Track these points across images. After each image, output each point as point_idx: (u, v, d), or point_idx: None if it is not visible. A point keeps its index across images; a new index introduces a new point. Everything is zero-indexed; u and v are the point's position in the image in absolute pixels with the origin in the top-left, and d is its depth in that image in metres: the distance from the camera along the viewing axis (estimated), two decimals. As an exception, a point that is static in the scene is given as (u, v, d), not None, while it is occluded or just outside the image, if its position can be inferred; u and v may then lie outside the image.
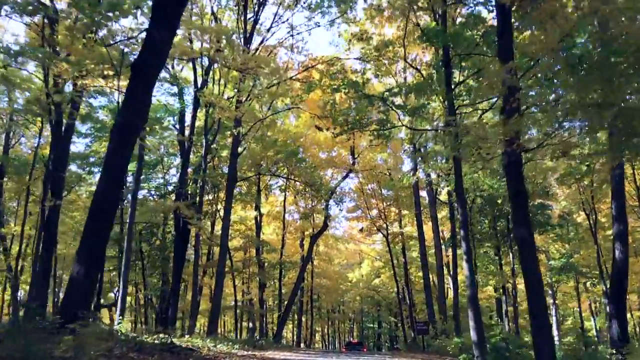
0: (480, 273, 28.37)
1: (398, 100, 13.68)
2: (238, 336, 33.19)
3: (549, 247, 34.97)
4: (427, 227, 29.23)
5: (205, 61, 22.84)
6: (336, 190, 27.39)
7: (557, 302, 36.80)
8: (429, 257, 29.02)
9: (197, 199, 21.95)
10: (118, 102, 12.37)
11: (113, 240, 27.22)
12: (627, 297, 23.17)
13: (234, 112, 17.14)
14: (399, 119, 14.43)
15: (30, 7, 12.30)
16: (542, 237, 32.15)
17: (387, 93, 13.24)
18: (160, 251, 28.70)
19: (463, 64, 13.23)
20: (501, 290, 29.97)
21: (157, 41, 9.59)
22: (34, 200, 24.83)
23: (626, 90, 8.22)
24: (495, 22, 13.79)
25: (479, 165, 25.39)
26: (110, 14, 11.62)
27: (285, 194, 33.41)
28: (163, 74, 25.49)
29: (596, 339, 38.49)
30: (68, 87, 16.87)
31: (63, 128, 16.67)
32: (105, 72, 14.33)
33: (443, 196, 30.24)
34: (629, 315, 29.25)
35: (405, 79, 22.77)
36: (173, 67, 25.22)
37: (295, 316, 39.83)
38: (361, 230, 37.13)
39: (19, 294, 25.99)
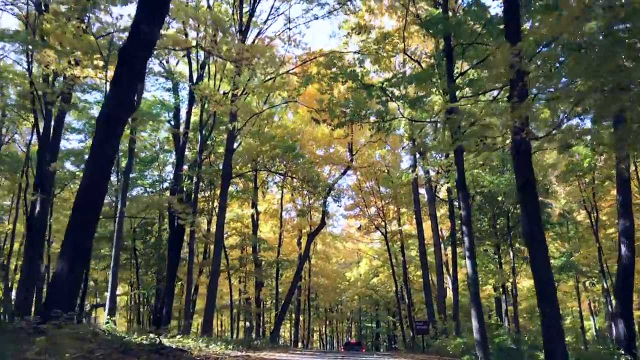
0: (480, 272, 27.92)
1: (397, 92, 13.21)
2: (235, 336, 32.73)
3: (549, 246, 34.60)
4: (426, 226, 28.82)
5: (201, 56, 22.42)
6: (334, 187, 26.93)
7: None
8: (427, 256, 28.59)
9: (192, 195, 21.46)
10: (105, 91, 11.86)
11: (107, 238, 26.75)
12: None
13: (229, 105, 16.65)
14: (399, 110, 13.95)
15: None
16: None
17: (387, 83, 12.78)
18: (155, 249, 28.21)
19: (465, 54, 12.75)
20: (501, 290, 29.60)
21: (143, 30, 9.14)
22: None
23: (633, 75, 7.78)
24: (498, 13, 13.35)
25: (480, 161, 25.00)
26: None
27: (282, 192, 32.95)
28: (158, 68, 25.13)
29: (595, 338, 38.22)
30: (58, 82, 16.43)
31: (53, 121, 16.16)
32: (95, 62, 13.84)
33: (443, 194, 29.86)
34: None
35: (405, 73, 22.32)
36: (168, 62, 24.78)
37: (293, 315, 39.39)
38: (359, 228, 36.68)
39: (12, 293, 25.46)
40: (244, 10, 19.62)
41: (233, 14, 19.22)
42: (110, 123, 9.09)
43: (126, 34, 12.65)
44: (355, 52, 19.28)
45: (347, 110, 13.32)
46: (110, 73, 13.02)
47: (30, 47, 12.97)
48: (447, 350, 17.62)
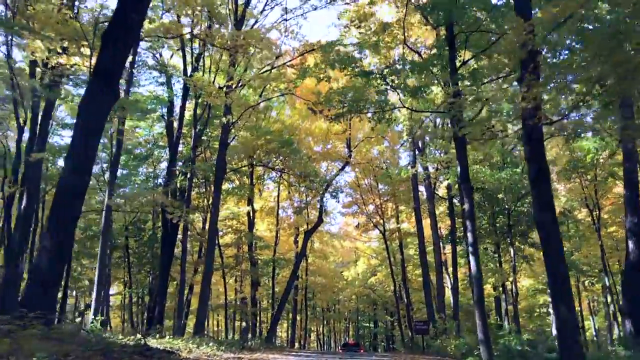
0: (480, 270, 27.46)
1: (398, 81, 12.63)
2: (231, 336, 32.13)
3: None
4: (425, 224, 28.32)
5: (196, 48, 21.83)
6: (332, 183, 26.35)
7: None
8: (427, 255, 28.07)
9: (185, 191, 20.86)
10: (90, 72, 11.26)
11: (99, 237, 26.13)
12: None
13: (224, 98, 16.07)
14: (400, 99, 13.39)
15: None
16: (542, 234, 31.40)
17: (387, 70, 12.21)
18: (148, 247, 27.58)
19: (468, 41, 12.18)
20: (500, 289, 29.15)
21: (129, 14, 8.60)
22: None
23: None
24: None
25: (480, 156, 24.48)
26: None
27: (278, 189, 32.38)
28: (151, 61, 24.51)
29: (595, 338, 37.83)
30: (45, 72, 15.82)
31: (41, 111, 15.56)
32: (82, 50, 13.24)
33: (442, 192, 29.38)
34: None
35: (405, 62, 21.77)
36: (161, 55, 24.17)
37: (290, 315, 38.80)
38: (357, 226, 36.14)
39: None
40: (239, 1, 19.05)
41: (228, 2, 18.62)
42: (93, 105, 8.55)
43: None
44: (353, 44, 18.73)
45: (346, 100, 12.72)
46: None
47: (12, 33, 12.36)
48: (447, 350, 17.10)
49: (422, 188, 29.10)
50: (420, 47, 18.81)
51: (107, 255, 27.79)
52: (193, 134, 21.18)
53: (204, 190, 26.85)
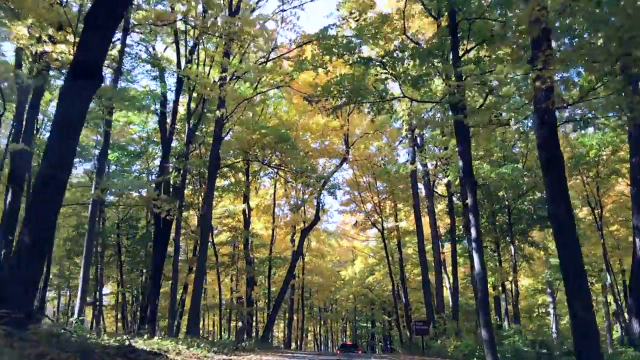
0: (479, 270, 27.01)
1: (399, 68, 12.10)
2: (227, 336, 31.56)
3: (549, 244, 33.74)
4: (424, 222, 27.84)
5: (190, 41, 21.28)
6: (329, 180, 25.80)
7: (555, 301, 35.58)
8: (426, 254, 27.59)
9: (179, 187, 20.29)
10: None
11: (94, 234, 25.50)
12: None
13: (218, 90, 15.52)
14: (400, 88, 12.87)
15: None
16: (542, 234, 30.96)
17: (387, 57, 11.68)
18: (140, 245, 26.98)
19: (471, 30, 11.67)
20: (500, 288, 28.72)
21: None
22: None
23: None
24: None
25: (481, 152, 23.99)
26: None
27: (275, 187, 31.84)
28: (144, 55, 23.91)
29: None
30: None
31: (27, 103, 14.97)
32: (69, 38, 12.66)
33: (441, 190, 28.93)
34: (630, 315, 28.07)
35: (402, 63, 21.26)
36: (154, 48, 23.60)
37: (286, 315, 38.25)
38: (355, 224, 35.62)
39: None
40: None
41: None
42: (77, 87, 7.99)
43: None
44: (351, 37, 18.19)
45: (344, 90, 12.16)
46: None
47: None
48: (447, 352, 16.58)
49: (420, 186, 28.66)
50: (420, 38, 18.29)
51: (99, 252, 27.29)
52: (187, 129, 20.63)
53: (199, 186, 26.30)
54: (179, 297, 28.32)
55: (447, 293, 29.05)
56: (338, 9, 17.38)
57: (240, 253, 30.54)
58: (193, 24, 13.64)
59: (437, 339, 18.00)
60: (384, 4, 18.62)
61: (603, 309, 36.65)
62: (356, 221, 35.35)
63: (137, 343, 10.37)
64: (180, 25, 21.84)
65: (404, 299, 31.88)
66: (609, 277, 27.42)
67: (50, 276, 38.97)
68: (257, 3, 18.98)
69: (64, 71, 17.14)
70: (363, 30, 15.50)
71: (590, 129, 23.28)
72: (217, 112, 16.84)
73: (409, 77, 11.85)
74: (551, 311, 34.79)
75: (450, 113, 11.38)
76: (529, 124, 24.55)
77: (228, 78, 16.96)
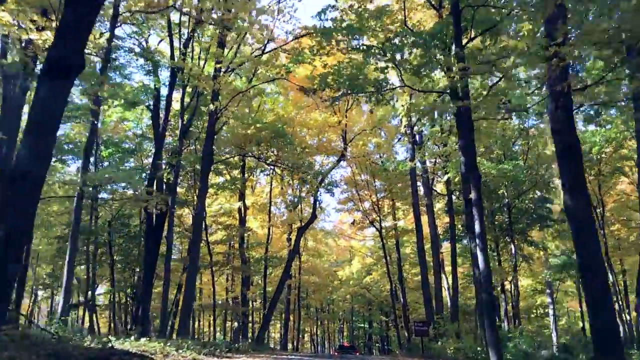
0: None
1: (399, 57, 11.60)
2: (223, 337, 30.97)
3: (549, 244, 33.31)
4: (423, 221, 27.36)
5: (185, 34, 20.76)
6: (327, 177, 25.26)
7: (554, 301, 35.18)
8: (425, 253, 27.10)
9: (172, 184, 19.72)
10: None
11: (85, 234, 24.90)
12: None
13: (211, 82, 14.98)
14: (401, 78, 12.35)
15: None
16: (542, 233, 30.57)
17: (388, 44, 11.16)
18: (133, 244, 26.37)
19: (475, 18, 11.17)
20: (499, 288, 28.31)
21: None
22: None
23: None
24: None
25: (482, 148, 23.52)
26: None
27: (271, 184, 31.27)
28: (137, 49, 23.33)
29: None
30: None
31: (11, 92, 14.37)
32: (55, 25, 12.06)
33: (440, 188, 28.47)
34: (631, 315, 27.74)
35: (402, 55, 20.76)
36: (147, 42, 23.03)
37: (282, 315, 37.68)
38: (352, 223, 35.07)
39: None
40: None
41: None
42: (56, 72, 7.42)
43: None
44: (349, 31, 17.66)
45: (343, 79, 11.63)
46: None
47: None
48: (447, 353, 16.06)
49: (419, 184, 28.17)
50: (424, 27, 17.77)
51: (92, 252, 26.67)
52: (180, 124, 20.08)
53: (193, 183, 25.74)
54: (172, 297, 27.75)
55: (445, 293, 28.57)
56: (337, 0, 16.86)
57: (235, 252, 29.97)
58: (186, 11, 13.06)
59: (437, 340, 17.49)
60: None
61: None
62: (354, 220, 34.83)
63: (123, 345, 9.82)
64: (174, 18, 21.38)
65: (402, 299, 31.38)
66: (610, 276, 26.97)
67: (44, 275, 38.43)
68: (252, -6, 18.42)
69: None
70: (362, 22, 14.99)
71: (591, 127, 22.91)
72: (211, 105, 16.28)
73: (410, 66, 11.33)
74: (550, 312, 34.35)
75: (452, 105, 10.86)
76: (533, 120, 24.16)
77: (223, 70, 16.39)
